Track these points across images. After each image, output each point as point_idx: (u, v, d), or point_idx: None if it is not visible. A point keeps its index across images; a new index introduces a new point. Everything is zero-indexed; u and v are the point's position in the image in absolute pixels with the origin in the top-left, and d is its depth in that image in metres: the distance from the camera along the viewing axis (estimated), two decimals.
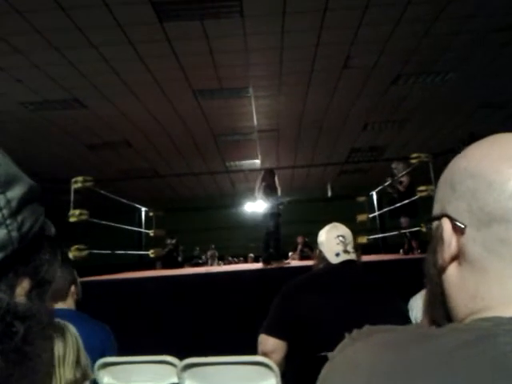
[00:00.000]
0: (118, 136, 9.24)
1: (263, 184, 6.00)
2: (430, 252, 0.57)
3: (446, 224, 0.53)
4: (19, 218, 0.37)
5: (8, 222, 0.36)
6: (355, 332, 0.54)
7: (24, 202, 0.38)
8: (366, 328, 0.54)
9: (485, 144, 0.53)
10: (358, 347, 0.51)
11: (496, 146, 0.52)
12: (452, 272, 0.53)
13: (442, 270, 0.54)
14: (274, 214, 5.85)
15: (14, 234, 0.36)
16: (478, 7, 5.31)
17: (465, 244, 0.51)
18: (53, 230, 0.44)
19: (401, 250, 6.97)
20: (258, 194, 6.04)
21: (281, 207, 5.97)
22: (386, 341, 0.49)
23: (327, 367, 0.52)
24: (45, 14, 4.93)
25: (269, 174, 6.18)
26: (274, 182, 6.04)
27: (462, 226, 0.50)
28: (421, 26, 5.68)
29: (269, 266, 5.49)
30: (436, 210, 0.57)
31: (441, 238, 0.53)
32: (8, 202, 0.36)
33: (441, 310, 0.55)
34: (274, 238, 5.84)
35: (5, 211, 0.36)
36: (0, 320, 0.34)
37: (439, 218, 0.54)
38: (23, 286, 0.37)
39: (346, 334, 0.55)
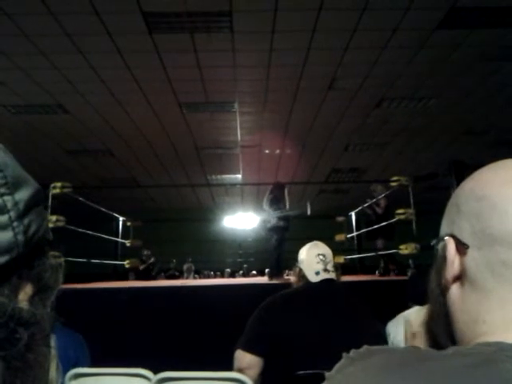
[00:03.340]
0: (99, 144, 9.16)
1: (270, 196, 5.89)
2: (434, 272, 0.58)
3: (450, 243, 0.53)
4: (25, 221, 0.36)
5: (15, 224, 0.35)
6: (353, 352, 0.53)
7: (30, 204, 0.37)
8: (365, 348, 0.53)
9: (492, 168, 0.55)
10: (358, 368, 0.49)
11: (502, 171, 0.53)
12: (455, 292, 0.53)
13: (445, 289, 0.55)
14: (280, 228, 5.67)
15: (20, 237, 0.35)
16: (464, 37, 5.48)
17: (467, 264, 0.51)
18: (51, 234, 0.44)
19: (377, 272, 7.03)
20: (266, 206, 5.91)
21: (282, 221, 5.71)
22: (387, 362, 0.48)
23: None
24: (34, 18, 4.90)
25: (277, 187, 6.06)
26: (282, 194, 5.90)
27: (465, 246, 0.51)
28: (406, 52, 5.82)
29: (273, 281, 5.35)
30: (442, 231, 0.57)
31: (444, 258, 0.54)
32: (15, 203, 0.35)
33: (445, 332, 0.55)
34: (275, 253, 5.71)
35: (12, 213, 0.35)
36: (3, 326, 0.33)
37: (444, 237, 0.55)
38: (26, 292, 0.36)
39: (344, 354, 0.53)
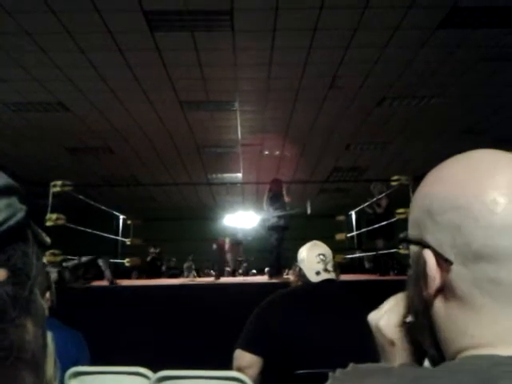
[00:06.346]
0: (100, 142, 9.16)
1: (270, 194, 5.81)
2: (411, 281, 0.54)
3: (430, 258, 0.49)
4: None
5: None
6: (339, 372, 0.49)
7: None
8: (353, 368, 0.49)
9: (461, 166, 0.51)
10: None
11: (475, 171, 0.49)
12: (439, 305, 0.50)
13: (428, 302, 0.51)
14: (280, 227, 5.60)
15: None
16: (466, 37, 5.47)
17: (452, 280, 0.48)
18: (48, 239, 0.44)
19: (367, 265, 7.04)
20: (266, 204, 5.80)
21: (281, 219, 5.56)
22: None
23: None
24: (34, 15, 4.89)
25: (275, 184, 5.95)
26: (280, 191, 5.79)
27: (448, 262, 0.47)
28: (408, 51, 5.81)
29: (272, 280, 5.32)
30: (413, 232, 0.53)
31: (424, 272, 0.50)
32: None
33: (429, 340, 0.52)
34: (275, 252, 5.62)
35: None
36: None
37: (419, 244, 0.51)
38: None
39: (330, 374, 0.50)
